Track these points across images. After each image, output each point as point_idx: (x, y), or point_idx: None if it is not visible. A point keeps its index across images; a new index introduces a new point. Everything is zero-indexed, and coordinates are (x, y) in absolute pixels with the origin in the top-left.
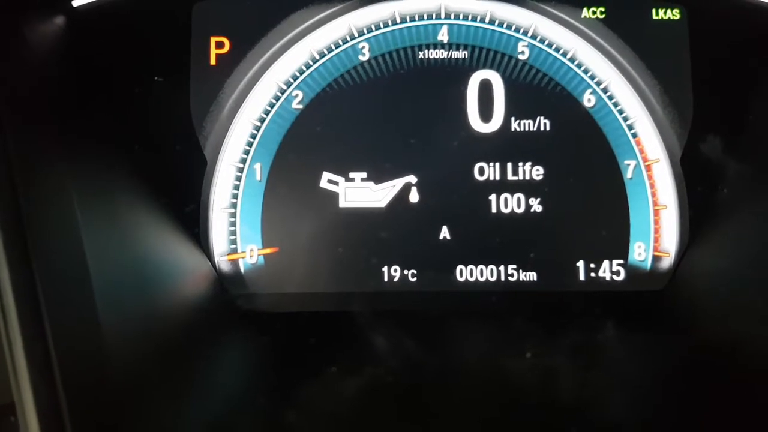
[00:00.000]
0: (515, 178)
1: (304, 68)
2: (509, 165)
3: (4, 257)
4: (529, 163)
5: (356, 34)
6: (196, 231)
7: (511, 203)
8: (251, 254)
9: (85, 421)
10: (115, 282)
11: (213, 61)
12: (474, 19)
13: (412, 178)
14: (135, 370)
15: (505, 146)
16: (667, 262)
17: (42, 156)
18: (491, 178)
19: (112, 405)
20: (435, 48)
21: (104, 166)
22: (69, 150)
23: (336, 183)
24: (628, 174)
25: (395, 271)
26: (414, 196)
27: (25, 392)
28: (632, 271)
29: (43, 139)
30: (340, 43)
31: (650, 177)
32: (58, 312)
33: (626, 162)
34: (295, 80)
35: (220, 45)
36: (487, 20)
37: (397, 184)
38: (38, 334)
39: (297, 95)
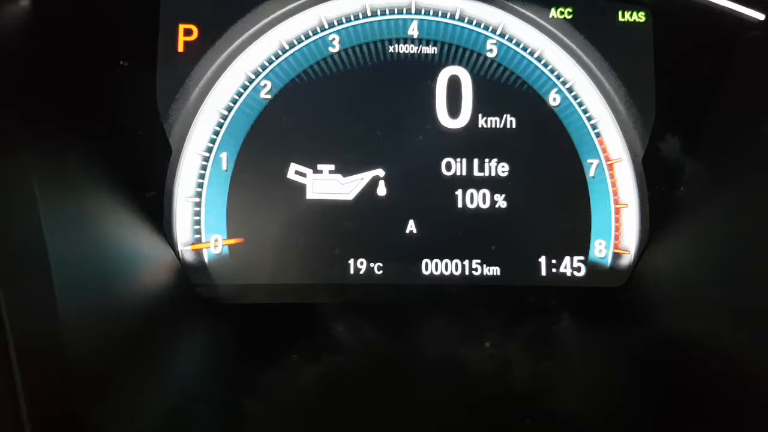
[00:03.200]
0: (481, 174)
1: (274, 58)
2: (476, 161)
3: None
4: (495, 160)
5: (326, 26)
6: (160, 219)
7: (477, 199)
8: (216, 244)
9: (43, 409)
10: (75, 269)
11: (181, 49)
12: (444, 15)
13: (380, 172)
14: (95, 358)
15: (472, 142)
16: (627, 259)
17: (2, 140)
18: (458, 173)
19: (71, 393)
20: (405, 43)
21: (67, 152)
22: (31, 134)
23: (303, 174)
24: (591, 172)
25: (361, 263)
26: (381, 190)
27: None
28: (593, 267)
29: (3, 122)
30: (311, 34)
31: (612, 176)
32: (15, 298)
33: (589, 161)
34: (263, 70)
35: (188, 32)
36: (457, 17)
37: (365, 177)
38: None
39: (265, 85)
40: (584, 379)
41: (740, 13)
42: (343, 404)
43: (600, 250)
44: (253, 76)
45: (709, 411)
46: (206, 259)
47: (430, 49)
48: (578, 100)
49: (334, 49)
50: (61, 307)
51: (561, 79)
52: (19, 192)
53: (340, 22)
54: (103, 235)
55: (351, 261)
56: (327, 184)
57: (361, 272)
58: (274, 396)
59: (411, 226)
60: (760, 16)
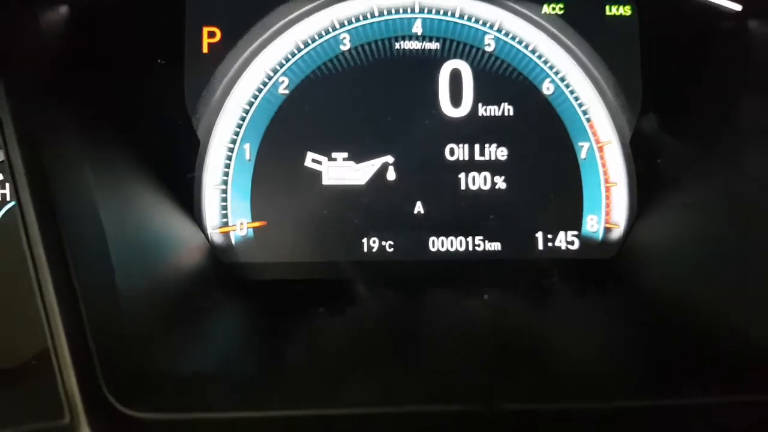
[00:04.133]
0: (482, 158)
1: (290, 56)
2: (477, 146)
3: (36, 224)
4: (494, 145)
5: (338, 26)
6: (190, 206)
7: (478, 181)
8: (241, 227)
9: (108, 361)
10: (126, 250)
11: (205, 50)
12: (445, 13)
13: (390, 158)
14: (145, 321)
15: (473, 129)
16: (617, 233)
17: (59, 140)
18: (460, 158)
19: (129, 348)
20: (410, 39)
21: (111, 147)
22: (82, 132)
23: (319, 162)
24: (582, 155)
25: (374, 242)
26: (391, 175)
27: (59, 337)
28: (585, 241)
29: (58, 121)
30: (323, 33)
31: (602, 157)
32: (84, 273)
33: (580, 144)
34: (281, 68)
35: (211, 34)
36: (457, 15)
37: (376, 163)
38: (69, 292)
39: (283, 81)
40: (580, 342)
41: (718, 4)
42: (357, 360)
43: (592, 225)
44: (272, 74)
45: (692, 369)
46: (233, 241)
47: (433, 45)
48: (570, 89)
49: (345, 47)
50: (119, 280)
51: (554, 70)
52: (76, 183)
53: (350, 22)
54: (144, 221)
55: (364, 240)
56: (341, 171)
57: (374, 250)
58: (294, 357)
59: (418, 207)
60: (737, 7)
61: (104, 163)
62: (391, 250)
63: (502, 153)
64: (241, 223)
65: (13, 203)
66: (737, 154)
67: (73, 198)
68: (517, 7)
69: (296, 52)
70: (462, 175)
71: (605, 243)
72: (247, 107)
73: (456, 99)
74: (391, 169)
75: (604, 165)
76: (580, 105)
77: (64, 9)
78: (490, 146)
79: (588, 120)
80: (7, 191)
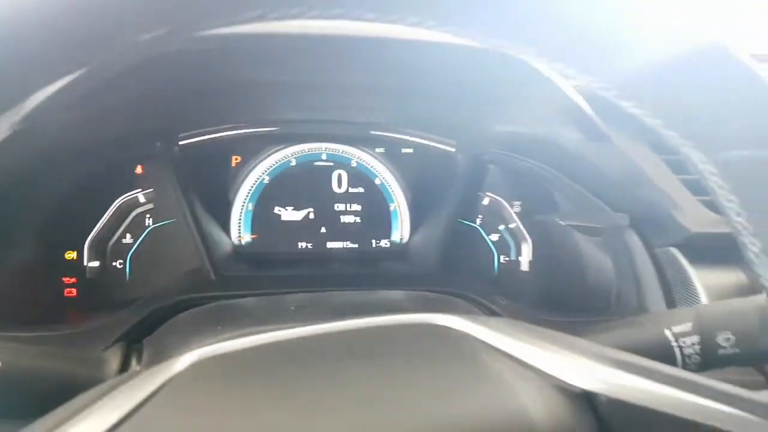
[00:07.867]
0: (350, 209)
1: (268, 168)
2: (348, 205)
3: (195, 227)
4: (355, 204)
5: (290, 155)
6: (227, 228)
7: (348, 219)
8: (247, 238)
9: (216, 263)
10: (210, 237)
11: (233, 165)
12: (336, 151)
13: (312, 209)
14: (222, 260)
15: (347, 197)
16: (405, 239)
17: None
18: (342, 209)
19: (218, 262)
20: (320, 160)
21: (200, 206)
22: (195, 195)
23: (281, 211)
24: (391, 209)
25: (302, 245)
26: (312, 216)
27: (203, 258)
28: (392, 243)
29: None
30: (282, 159)
31: (400, 210)
32: (207, 241)
33: (391, 204)
34: (265, 172)
35: (236, 159)
36: (341, 152)
37: (306, 211)
38: (207, 245)
39: (266, 178)
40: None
41: (440, 148)
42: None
43: (395, 236)
44: (261, 175)
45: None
46: (243, 243)
47: (330, 163)
48: (388, 182)
49: (293, 163)
50: (213, 247)
51: (381, 174)
52: (195, 214)
53: (295, 154)
54: (213, 231)
55: (299, 243)
56: (290, 214)
57: (303, 248)
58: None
59: (323, 230)
60: (452, 149)
61: (199, 209)
62: (311, 247)
63: (358, 207)
64: (247, 236)
65: (155, 225)
66: (455, 210)
67: (201, 219)
68: (365, 149)
69: (271, 166)
70: (342, 217)
71: (400, 243)
72: (250, 188)
73: (340, 185)
74: (311, 214)
75: (400, 213)
76: (390, 187)
77: (176, 148)
78: (353, 204)
79: (394, 195)
80: (150, 220)
